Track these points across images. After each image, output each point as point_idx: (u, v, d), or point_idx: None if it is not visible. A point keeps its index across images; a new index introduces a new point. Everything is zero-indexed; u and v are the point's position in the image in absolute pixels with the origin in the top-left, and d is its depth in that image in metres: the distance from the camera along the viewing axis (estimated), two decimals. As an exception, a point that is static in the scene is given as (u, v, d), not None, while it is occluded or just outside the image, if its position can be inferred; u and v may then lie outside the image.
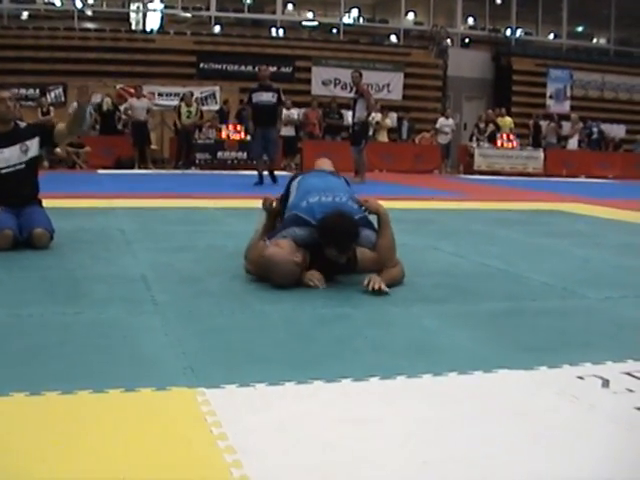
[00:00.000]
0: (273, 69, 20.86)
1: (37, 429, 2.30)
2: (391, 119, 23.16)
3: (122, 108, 20.36)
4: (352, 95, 16.44)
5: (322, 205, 4.58)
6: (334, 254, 4.37)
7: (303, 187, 4.91)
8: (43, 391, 2.59)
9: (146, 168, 19.20)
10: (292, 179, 5.16)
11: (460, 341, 3.43)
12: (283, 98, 14.45)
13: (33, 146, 6.03)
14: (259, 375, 2.80)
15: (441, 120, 22.90)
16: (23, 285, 4.47)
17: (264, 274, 4.45)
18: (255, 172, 14.34)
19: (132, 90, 20.78)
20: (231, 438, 2.24)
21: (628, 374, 2.97)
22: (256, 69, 23.66)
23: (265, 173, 13.88)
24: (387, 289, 4.31)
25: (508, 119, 23.14)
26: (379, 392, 2.72)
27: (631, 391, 2.78)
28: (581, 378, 2.91)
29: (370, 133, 21.27)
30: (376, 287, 4.27)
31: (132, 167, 19.02)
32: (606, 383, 2.85)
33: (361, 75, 15.79)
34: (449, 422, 2.44)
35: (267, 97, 13.90)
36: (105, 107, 20.43)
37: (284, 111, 16.78)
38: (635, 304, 4.36)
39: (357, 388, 2.74)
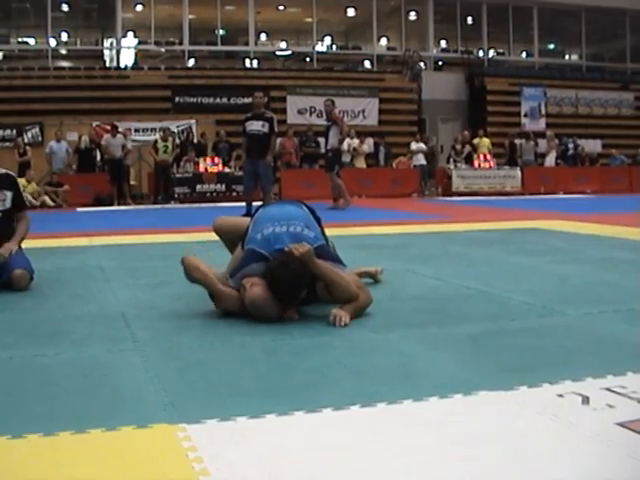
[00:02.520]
0: (248, 100, 20.97)
1: (19, 472, 2.28)
2: (368, 145, 23.27)
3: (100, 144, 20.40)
4: (325, 123, 16.30)
5: (276, 236, 4.49)
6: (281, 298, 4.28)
7: (260, 219, 4.78)
8: (25, 434, 2.58)
9: (125, 204, 19.20)
10: (255, 211, 5.05)
11: (440, 365, 3.43)
12: (276, 128, 13.64)
13: (8, 198, 5.99)
14: (240, 408, 2.79)
15: (413, 143, 23.08)
16: (3, 327, 4.45)
17: (238, 311, 4.44)
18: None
19: (107, 127, 20.81)
20: (213, 473, 2.24)
21: (608, 390, 2.97)
22: (231, 101, 24.08)
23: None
24: (348, 322, 4.23)
25: (486, 140, 23.27)
26: (360, 420, 2.71)
27: (611, 407, 2.78)
28: (561, 396, 2.91)
29: (348, 159, 21.43)
30: (342, 324, 4.18)
31: (111, 204, 19.03)
32: (586, 400, 2.85)
33: (333, 103, 15.73)
34: (431, 447, 2.44)
35: (257, 126, 13.31)
36: (83, 145, 20.45)
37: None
38: (614, 319, 4.38)
39: (338, 417, 2.74)
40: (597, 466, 2.28)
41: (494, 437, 2.52)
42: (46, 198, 18.84)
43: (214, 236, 5.41)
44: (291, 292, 4.26)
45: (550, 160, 24.05)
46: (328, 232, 5.06)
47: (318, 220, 4.94)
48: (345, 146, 20.08)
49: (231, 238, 5.08)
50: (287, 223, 4.59)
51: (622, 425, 2.58)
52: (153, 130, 22.47)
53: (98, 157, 20.61)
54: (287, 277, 4.18)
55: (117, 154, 19.49)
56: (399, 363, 3.47)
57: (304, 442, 2.50)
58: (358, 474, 2.24)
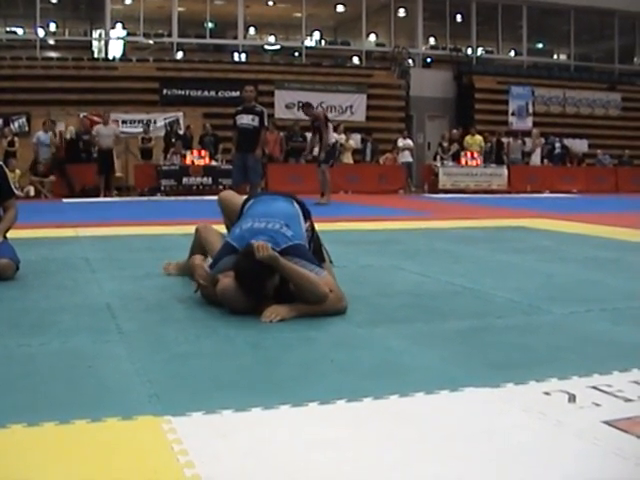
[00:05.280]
0: (236, 93, 20.95)
1: (2, 462, 2.27)
2: (354, 140, 23.28)
3: (91, 134, 20.25)
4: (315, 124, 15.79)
5: (253, 232, 4.48)
6: None
7: (247, 212, 4.83)
8: (8, 424, 2.56)
9: (110, 196, 19.12)
10: (246, 201, 5.05)
11: (426, 361, 3.43)
12: (266, 122, 13.72)
13: None
14: (225, 401, 2.78)
15: (400, 140, 23.10)
16: (-13, 317, 4.43)
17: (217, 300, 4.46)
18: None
19: (95, 118, 20.74)
20: (198, 466, 2.22)
21: (594, 388, 2.98)
22: (219, 94, 24.02)
23: None
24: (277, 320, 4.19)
25: (478, 137, 23.28)
26: (346, 414, 2.71)
27: (597, 405, 2.79)
28: (547, 394, 2.91)
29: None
30: (274, 320, 4.15)
31: (97, 195, 18.95)
32: (572, 398, 2.86)
33: (309, 106, 15.79)
34: (416, 443, 2.44)
35: (247, 120, 13.31)
36: (69, 135, 20.37)
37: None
38: (600, 318, 4.39)
39: (324, 411, 2.73)
40: (583, 464, 2.28)
41: (480, 434, 2.52)
42: (31, 188, 18.78)
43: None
44: (253, 283, 4.25)
45: (535, 158, 24.10)
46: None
47: (307, 214, 4.93)
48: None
49: (228, 214, 5.21)
50: (266, 220, 4.58)
51: (608, 423, 2.59)
52: (140, 122, 22.40)
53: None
54: (249, 268, 4.20)
55: (108, 144, 19.41)
56: (385, 358, 3.47)
57: (289, 436, 2.49)
58: (343, 468, 2.23)
